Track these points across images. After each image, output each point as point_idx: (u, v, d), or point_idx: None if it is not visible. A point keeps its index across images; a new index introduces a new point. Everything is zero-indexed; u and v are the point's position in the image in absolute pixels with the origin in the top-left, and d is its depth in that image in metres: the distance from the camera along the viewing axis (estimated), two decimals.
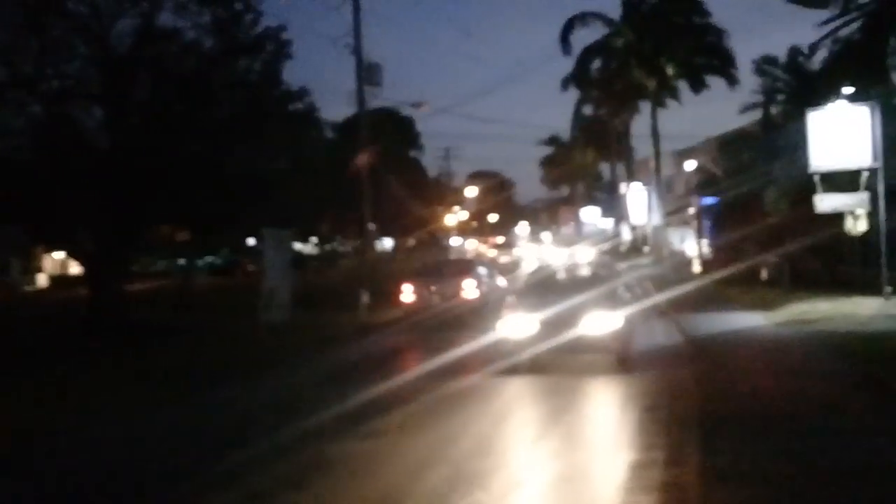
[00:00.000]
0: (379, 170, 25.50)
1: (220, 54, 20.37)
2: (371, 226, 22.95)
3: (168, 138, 17.46)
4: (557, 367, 11.04)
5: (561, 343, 10.59)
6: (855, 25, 8.80)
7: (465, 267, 20.86)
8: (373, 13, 62.71)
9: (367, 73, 22.85)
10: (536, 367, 10.82)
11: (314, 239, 38.98)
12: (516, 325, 11.18)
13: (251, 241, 20.00)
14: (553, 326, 10.72)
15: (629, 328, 11.47)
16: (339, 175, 24.06)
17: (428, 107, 29.38)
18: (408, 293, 18.81)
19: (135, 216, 17.44)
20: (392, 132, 42.80)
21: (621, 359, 10.96)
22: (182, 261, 22.23)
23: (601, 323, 10.76)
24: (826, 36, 8.83)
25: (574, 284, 12.52)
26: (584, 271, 14.33)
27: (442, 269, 21.44)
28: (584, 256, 24.29)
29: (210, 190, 17.61)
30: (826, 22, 8.63)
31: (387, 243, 53.14)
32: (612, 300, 11.57)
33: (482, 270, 20.44)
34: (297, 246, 40.78)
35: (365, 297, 19.62)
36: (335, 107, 56.82)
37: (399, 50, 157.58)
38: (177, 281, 20.94)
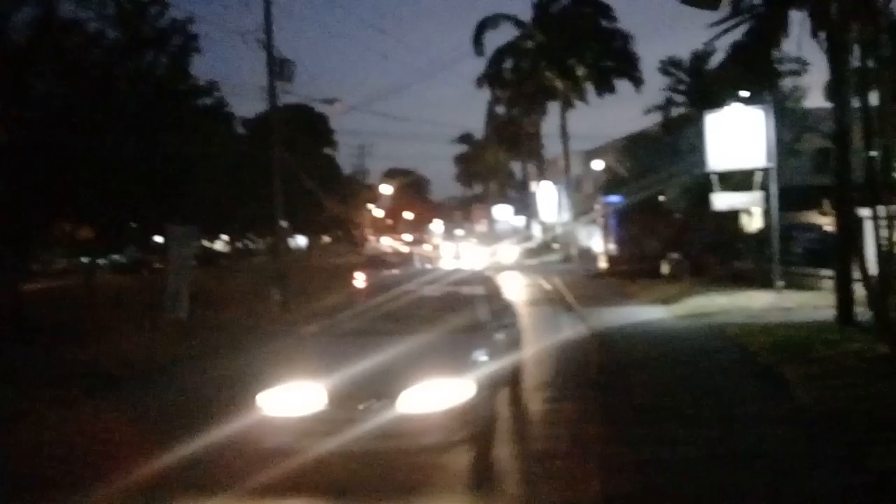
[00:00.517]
0: (291, 166, 25.25)
1: (125, 47, 19.82)
2: (283, 223, 22.71)
3: (69, 132, 16.88)
4: None
5: None
6: (744, 28, 9.27)
7: (406, 258, 28.16)
8: (284, 9, 61.89)
9: (279, 69, 22.58)
10: None
11: (225, 236, 38.25)
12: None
13: (159, 239, 19.54)
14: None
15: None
16: (251, 171, 23.73)
17: (342, 105, 29.19)
18: (360, 279, 20.72)
19: (33, 212, 16.77)
20: (305, 129, 42.42)
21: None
22: (85, 259, 21.45)
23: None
24: (715, 38, 9.27)
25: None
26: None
27: (386, 259, 28.86)
28: (507, 256, 23.67)
29: (113, 186, 17.12)
30: (716, 24, 9.08)
31: (301, 241, 52.60)
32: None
33: (417, 261, 27.56)
34: (209, 244, 39.93)
35: (276, 295, 19.44)
36: (247, 103, 55.66)
37: (312, 47, 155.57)
38: (79, 279, 20.23)
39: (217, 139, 24.53)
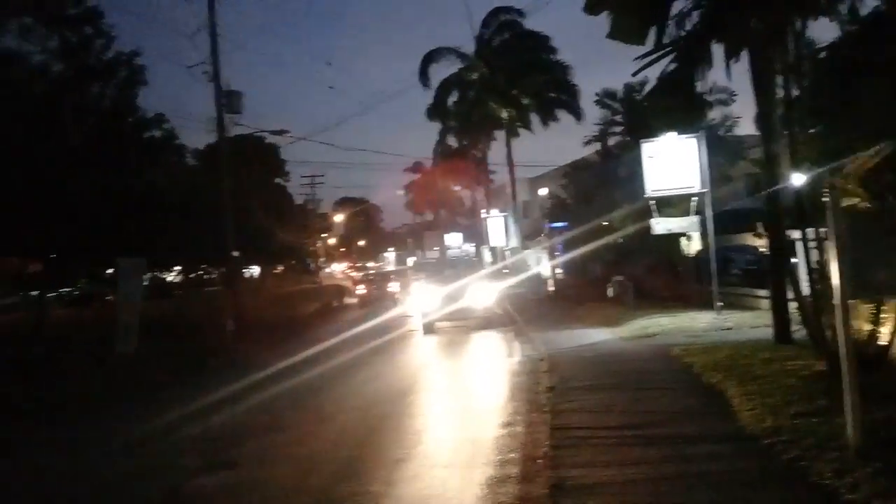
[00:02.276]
0: (242, 196, 25.25)
1: (70, 79, 19.72)
2: (235, 253, 22.67)
3: (14, 165, 16.71)
4: None
5: None
6: (669, 60, 9.59)
7: (390, 276, 39.20)
8: (232, 42, 61.70)
9: (227, 100, 22.67)
10: None
11: (177, 267, 37.87)
12: None
13: (110, 271, 19.39)
14: None
15: None
16: (202, 202, 23.63)
17: (289, 136, 29.30)
18: (361, 289, 37.38)
19: None
20: (256, 159, 42.27)
21: None
22: (34, 293, 21.09)
23: None
24: (640, 70, 9.61)
25: None
26: None
27: (375, 278, 40.39)
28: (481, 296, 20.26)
29: (60, 219, 16.96)
30: (641, 57, 9.42)
31: (254, 270, 52.12)
32: None
33: (394, 280, 36.57)
34: (161, 275, 39.31)
35: (231, 325, 19.39)
36: (198, 134, 55.31)
37: (261, 79, 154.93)
38: (28, 314, 19.87)
39: (166, 170, 24.43)
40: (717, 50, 9.57)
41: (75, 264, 20.87)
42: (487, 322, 19.74)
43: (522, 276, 30.00)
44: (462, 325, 20.01)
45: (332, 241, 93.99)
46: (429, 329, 19.56)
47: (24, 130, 17.91)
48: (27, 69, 19.41)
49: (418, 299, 20.87)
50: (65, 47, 19.76)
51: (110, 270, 20.54)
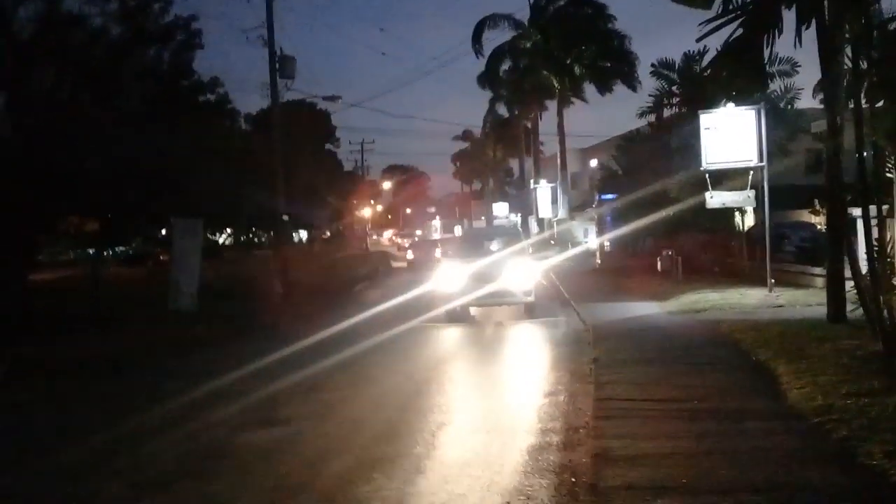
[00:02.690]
0: (294, 161, 25.54)
1: (129, 43, 20.03)
2: (285, 217, 22.98)
3: (73, 127, 17.12)
4: None
5: None
6: (735, 26, 9.27)
7: (437, 243, 38.66)
8: (286, 6, 61.88)
9: (281, 66, 22.83)
10: None
11: (229, 230, 38.63)
12: None
13: (164, 232, 19.92)
14: None
15: None
16: (254, 166, 23.98)
17: (340, 102, 29.45)
18: (410, 255, 39.61)
19: (39, 205, 17.05)
20: (307, 125, 42.65)
21: None
22: (91, 250, 21.77)
23: None
24: (705, 35, 9.30)
25: None
26: None
27: (424, 245, 42.11)
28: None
29: (118, 180, 17.37)
30: (706, 22, 9.12)
31: (303, 235, 52.96)
32: None
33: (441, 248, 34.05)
34: (213, 237, 40.21)
35: (278, 288, 19.72)
36: (251, 99, 56.05)
37: (314, 44, 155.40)
38: (86, 271, 20.55)
39: (221, 134, 24.80)
40: (787, 16, 9.22)
41: (131, 224, 21.42)
42: (529, 311, 16.50)
43: (570, 248, 29.83)
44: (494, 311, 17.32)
45: (379, 207, 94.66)
46: (454, 317, 16.12)
47: (86, 92, 18.34)
48: (87, 32, 19.76)
49: (441, 281, 17.12)
50: (123, 11, 20.04)
51: (164, 231, 21.04)
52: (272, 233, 30.44)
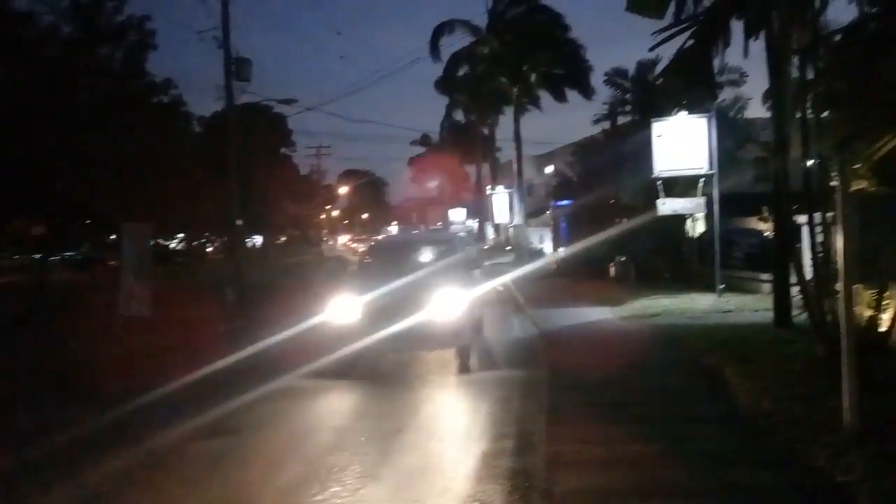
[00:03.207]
0: (248, 166, 25.24)
1: (81, 41, 19.65)
2: (239, 222, 22.65)
3: (23, 125, 16.70)
4: None
5: None
6: (686, 36, 9.43)
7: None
8: (242, 9, 61.34)
9: (236, 68, 22.53)
10: None
11: (181, 235, 37.90)
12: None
13: (114, 236, 19.47)
14: None
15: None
16: (208, 170, 23.62)
17: (296, 105, 29.18)
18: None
19: None
20: (263, 129, 42.19)
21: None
22: (37, 256, 21.22)
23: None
24: (657, 45, 9.45)
25: None
26: None
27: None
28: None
29: (66, 180, 16.99)
30: (659, 31, 9.27)
31: (257, 240, 52.31)
32: None
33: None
34: (164, 242, 39.51)
35: (231, 295, 19.39)
36: (206, 102, 55.24)
37: (270, 47, 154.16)
38: (30, 276, 20.01)
39: (173, 136, 24.40)
40: (736, 27, 9.43)
41: (79, 228, 20.94)
42: (460, 358, 11.20)
43: (525, 254, 30.01)
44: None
45: (335, 212, 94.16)
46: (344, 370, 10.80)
47: (34, 91, 17.88)
48: (38, 30, 19.33)
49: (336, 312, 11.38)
50: (75, 9, 19.65)
51: (113, 236, 20.59)
52: (226, 238, 30.02)
